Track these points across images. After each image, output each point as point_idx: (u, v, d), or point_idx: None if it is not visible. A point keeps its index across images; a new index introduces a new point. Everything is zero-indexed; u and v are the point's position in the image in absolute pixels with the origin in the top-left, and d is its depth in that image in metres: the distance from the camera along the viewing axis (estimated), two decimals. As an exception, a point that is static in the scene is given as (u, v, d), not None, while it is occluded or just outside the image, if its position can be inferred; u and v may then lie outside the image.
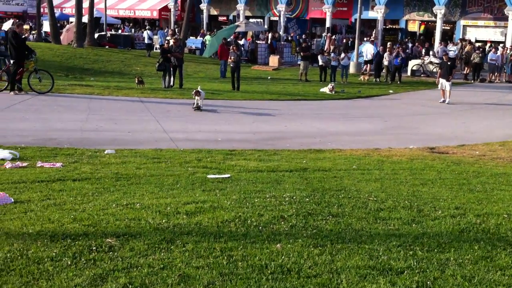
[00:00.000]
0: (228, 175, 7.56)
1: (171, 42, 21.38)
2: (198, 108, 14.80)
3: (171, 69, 20.44)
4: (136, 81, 19.77)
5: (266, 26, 43.00)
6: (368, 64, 28.10)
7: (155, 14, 48.51)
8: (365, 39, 34.40)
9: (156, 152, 9.53)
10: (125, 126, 12.48)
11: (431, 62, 28.01)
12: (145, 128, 12.35)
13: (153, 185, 6.76)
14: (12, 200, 5.74)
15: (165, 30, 35.78)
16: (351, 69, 28.23)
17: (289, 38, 37.70)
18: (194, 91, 14.93)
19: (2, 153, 8.45)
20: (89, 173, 7.38)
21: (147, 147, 10.04)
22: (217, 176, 7.49)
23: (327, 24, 38.24)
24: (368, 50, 28.46)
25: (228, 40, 29.02)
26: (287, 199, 6.05)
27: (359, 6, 29.03)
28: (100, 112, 14.21)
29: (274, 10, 43.02)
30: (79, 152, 9.10)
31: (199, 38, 39.16)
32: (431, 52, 30.38)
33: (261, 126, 13.63)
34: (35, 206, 5.52)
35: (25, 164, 7.91)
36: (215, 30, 37.47)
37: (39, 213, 5.23)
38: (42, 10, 40.46)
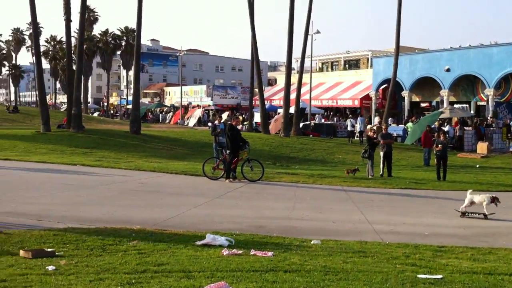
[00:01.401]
0: (441, 276, 7.16)
1: (376, 129, 21.57)
2: (485, 217, 12.81)
3: (383, 158, 20.55)
4: (348, 172, 20.18)
5: (472, 112, 41.07)
6: None
7: (357, 103, 49.81)
8: None
9: (361, 244, 9.48)
10: (329, 215, 12.69)
11: None
12: (349, 218, 12.41)
13: (362, 282, 6.69)
14: (232, 289, 6.16)
15: (364, 117, 36.32)
16: None
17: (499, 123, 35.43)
18: (492, 197, 12.75)
19: (219, 240, 9.18)
20: (298, 265, 7.61)
21: (352, 238, 10.04)
22: (428, 276, 7.14)
23: (544, 107, 35.22)
24: None
25: (432, 127, 28.35)
26: (511, 310, 5.49)
27: None
28: (306, 200, 14.73)
29: (481, 95, 41.09)
30: (288, 241, 9.47)
31: (400, 126, 38.93)
32: None
33: (471, 220, 12.74)
34: (253, 297, 5.84)
35: (240, 251, 8.46)
36: (420, 117, 36.92)
37: (257, 305, 5.51)
38: (253, 102, 44.35)
